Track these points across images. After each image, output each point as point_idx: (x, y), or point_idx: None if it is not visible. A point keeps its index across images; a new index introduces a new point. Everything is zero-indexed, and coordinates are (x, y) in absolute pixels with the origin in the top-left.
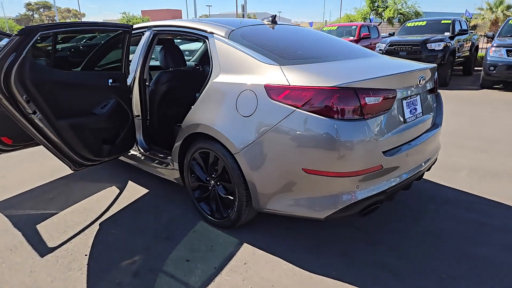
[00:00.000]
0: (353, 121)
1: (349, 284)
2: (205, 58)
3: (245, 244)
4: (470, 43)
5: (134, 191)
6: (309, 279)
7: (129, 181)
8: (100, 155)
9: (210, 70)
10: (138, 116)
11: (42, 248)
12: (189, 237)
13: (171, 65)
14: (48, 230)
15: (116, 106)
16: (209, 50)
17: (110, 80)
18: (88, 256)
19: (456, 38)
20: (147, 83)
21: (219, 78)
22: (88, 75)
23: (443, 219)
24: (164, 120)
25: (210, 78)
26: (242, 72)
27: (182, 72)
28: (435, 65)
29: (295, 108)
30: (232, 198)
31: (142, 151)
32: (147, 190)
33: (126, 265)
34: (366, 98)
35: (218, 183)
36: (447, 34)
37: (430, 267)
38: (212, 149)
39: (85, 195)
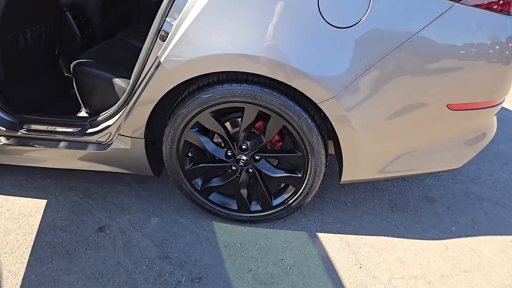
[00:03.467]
0: None
1: (480, 235)
2: None
3: (322, 236)
4: None
5: (14, 211)
6: (445, 248)
7: None
8: None
9: None
10: None
11: None
12: (228, 261)
13: None
14: None
15: None
16: None
17: None
18: None
19: None
20: None
21: None
22: None
23: None
24: (19, 59)
25: None
26: None
27: None
28: None
29: (452, 2)
30: (297, 175)
31: (3, 129)
32: (44, 201)
33: None
34: None
35: (256, 157)
36: None
37: (502, 185)
38: (254, 102)
39: None
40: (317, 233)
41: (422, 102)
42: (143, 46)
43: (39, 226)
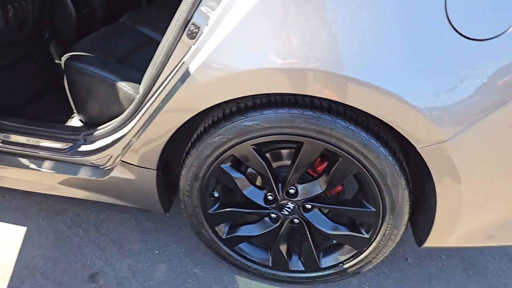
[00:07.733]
0: None
1: None
2: None
3: None
4: None
5: None
6: None
7: None
8: None
9: None
10: None
11: None
12: None
13: None
14: None
15: None
16: None
17: None
18: None
19: None
20: None
21: None
22: None
23: None
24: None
25: None
26: None
27: None
28: None
29: None
30: (363, 235)
31: None
32: (23, 229)
33: None
34: None
35: (307, 207)
36: None
37: None
38: (320, 137)
39: None
40: None
41: None
42: (153, 34)
43: (14, 268)
